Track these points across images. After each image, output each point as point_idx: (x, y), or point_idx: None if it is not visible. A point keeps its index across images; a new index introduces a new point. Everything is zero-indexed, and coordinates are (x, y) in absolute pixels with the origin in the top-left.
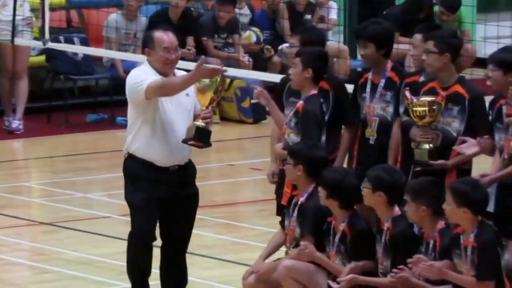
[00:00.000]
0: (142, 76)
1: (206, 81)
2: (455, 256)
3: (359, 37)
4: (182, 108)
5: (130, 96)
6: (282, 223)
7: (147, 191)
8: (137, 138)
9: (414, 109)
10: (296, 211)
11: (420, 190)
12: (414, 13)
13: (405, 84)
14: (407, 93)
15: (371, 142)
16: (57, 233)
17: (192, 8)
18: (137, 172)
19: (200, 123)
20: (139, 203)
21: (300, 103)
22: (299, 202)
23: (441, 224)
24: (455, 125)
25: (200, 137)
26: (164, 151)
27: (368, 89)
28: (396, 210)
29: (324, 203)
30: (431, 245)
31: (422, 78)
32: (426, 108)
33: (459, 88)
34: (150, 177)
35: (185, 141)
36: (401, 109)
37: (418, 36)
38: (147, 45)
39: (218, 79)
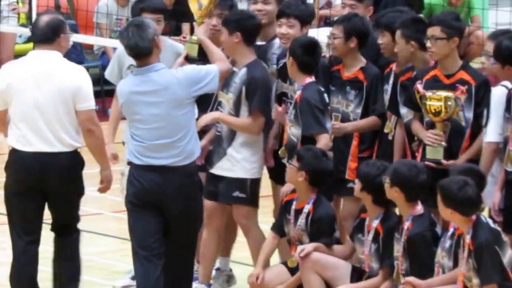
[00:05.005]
0: None
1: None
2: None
3: (377, 25)
4: None
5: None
6: (276, 227)
7: None
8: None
9: (429, 103)
10: (303, 221)
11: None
12: None
13: (400, 84)
14: (420, 87)
15: (390, 137)
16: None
17: None
18: None
19: None
20: None
21: (298, 93)
22: (306, 211)
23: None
24: (463, 114)
25: None
26: None
27: (390, 81)
28: (418, 208)
29: (357, 195)
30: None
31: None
32: (442, 104)
33: (464, 75)
34: None
35: None
36: (403, 110)
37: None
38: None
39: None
